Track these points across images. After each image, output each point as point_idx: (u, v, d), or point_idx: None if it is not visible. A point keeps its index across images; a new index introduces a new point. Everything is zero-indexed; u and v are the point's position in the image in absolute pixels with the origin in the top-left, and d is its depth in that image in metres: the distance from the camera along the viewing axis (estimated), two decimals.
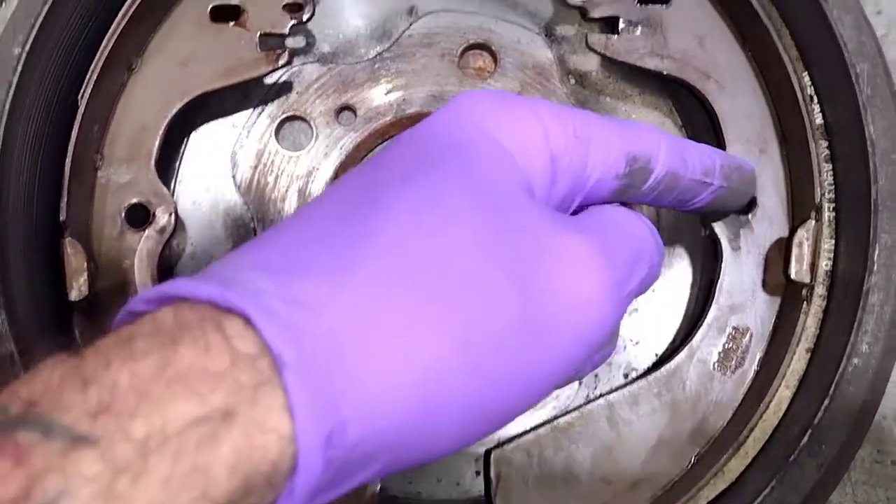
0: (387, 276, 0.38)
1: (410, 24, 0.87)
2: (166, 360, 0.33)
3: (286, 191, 0.85)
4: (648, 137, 0.51)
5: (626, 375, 0.82)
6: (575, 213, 0.51)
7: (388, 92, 0.86)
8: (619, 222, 0.49)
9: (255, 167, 0.86)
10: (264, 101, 0.87)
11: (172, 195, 0.85)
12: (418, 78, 0.86)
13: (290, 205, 0.85)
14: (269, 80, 0.86)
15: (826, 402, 0.63)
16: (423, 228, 0.40)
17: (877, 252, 0.64)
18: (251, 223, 0.85)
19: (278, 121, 0.86)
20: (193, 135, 0.87)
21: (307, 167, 0.86)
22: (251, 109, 0.87)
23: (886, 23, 0.89)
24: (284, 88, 0.87)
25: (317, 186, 0.85)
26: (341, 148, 0.86)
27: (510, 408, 0.44)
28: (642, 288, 0.50)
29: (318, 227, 0.41)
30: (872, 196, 0.65)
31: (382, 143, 0.87)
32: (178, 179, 0.86)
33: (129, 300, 0.40)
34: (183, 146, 0.86)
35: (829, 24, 0.67)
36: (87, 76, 0.75)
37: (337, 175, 0.86)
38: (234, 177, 0.86)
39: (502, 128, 0.45)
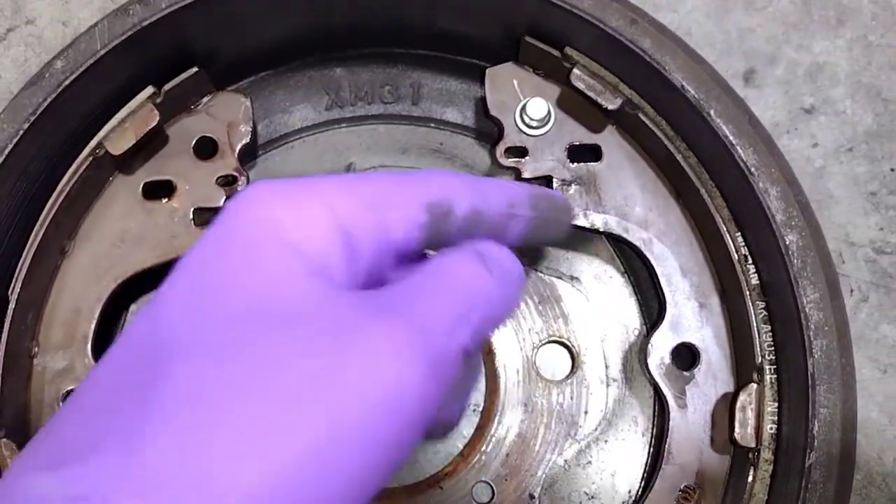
0: (178, 440, 0.35)
1: None
2: None
3: None
4: (443, 182, 0.49)
5: None
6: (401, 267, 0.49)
7: None
8: (441, 274, 0.45)
9: None
10: None
11: None
12: None
13: None
14: None
15: None
16: (211, 374, 0.38)
17: (816, 428, 0.64)
18: None
19: None
20: (133, 306, 0.85)
21: None
22: None
23: (823, 154, 0.90)
24: None
25: None
26: None
27: None
28: (481, 335, 0.46)
29: (103, 395, 0.39)
30: (809, 370, 0.65)
31: None
32: None
33: None
34: (122, 322, 0.85)
35: (755, 195, 0.68)
36: (18, 267, 0.74)
37: None
38: None
39: (284, 220, 0.43)
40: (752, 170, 0.68)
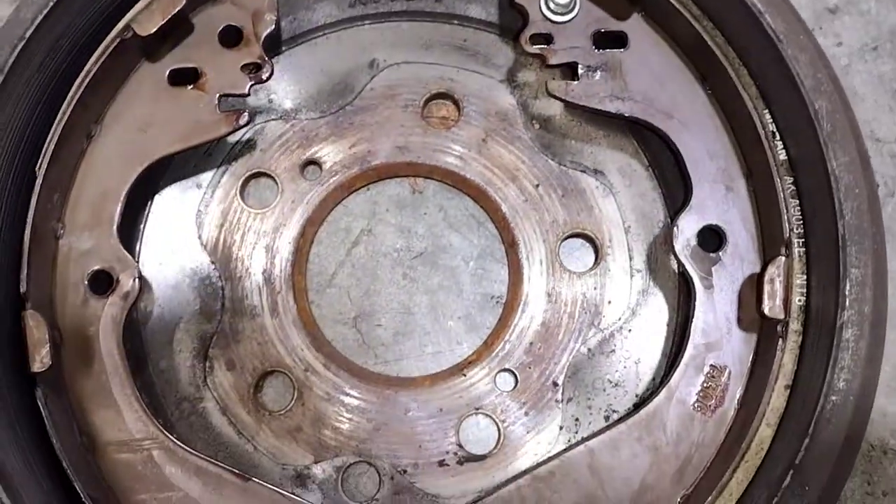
0: None
1: (372, 78, 0.86)
2: None
3: (253, 248, 0.84)
4: None
5: (606, 418, 0.81)
6: None
7: (353, 145, 0.86)
8: None
9: (221, 226, 0.85)
10: (228, 160, 0.86)
11: (137, 258, 0.84)
12: (382, 130, 0.86)
13: (258, 261, 0.84)
14: (232, 138, 0.86)
15: (806, 441, 0.62)
16: None
17: (847, 287, 0.64)
18: (218, 282, 0.84)
19: (243, 179, 0.85)
20: (157, 197, 0.85)
21: (274, 224, 0.85)
22: (215, 169, 0.86)
23: (847, 53, 0.90)
24: (248, 146, 0.86)
25: (284, 242, 0.84)
26: (307, 202, 0.85)
27: None
28: None
29: None
30: (840, 231, 0.65)
31: (349, 195, 0.87)
32: (143, 242, 0.85)
33: None
34: (147, 209, 0.85)
35: (785, 63, 0.68)
36: (45, 146, 0.74)
37: (304, 231, 0.85)
38: (199, 237, 0.85)
39: None
40: (781, 37, 0.68)
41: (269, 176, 0.86)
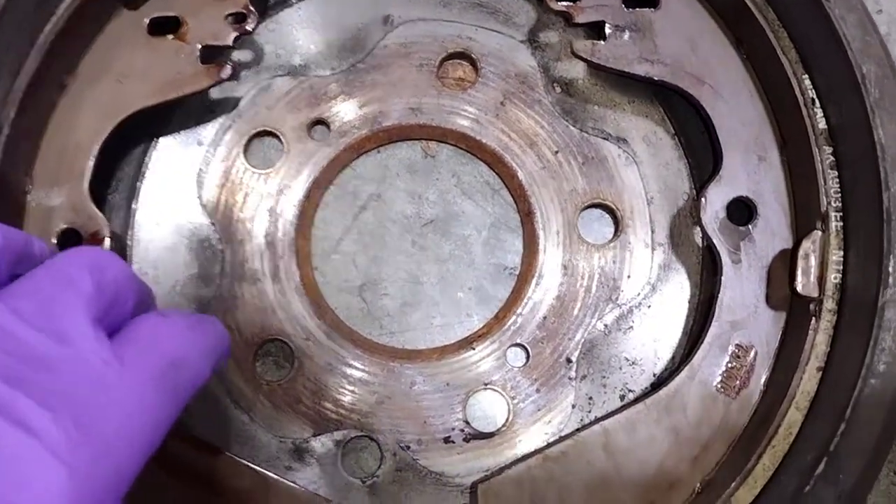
0: None
1: (386, 34, 0.82)
2: None
3: (255, 211, 0.80)
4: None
5: (622, 397, 0.77)
6: None
7: (363, 105, 0.81)
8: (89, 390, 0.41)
9: (223, 186, 0.81)
10: (232, 117, 0.81)
11: (133, 217, 0.79)
12: (395, 89, 0.81)
13: (260, 224, 0.79)
14: (236, 93, 0.81)
15: (842, 426, 0.58)
16: None
17: (892, 264, 0.60)
18: (218, 245, 0.79)
19: (247, 137, 0.81)
20: (155, 154, 0.81)
21: (277, 185, 0.80)
22: (218, 125, 0.81)
23: (887, 21, 0.86)
24: (253, 103, 0.81)
25: (288, 205, 0.80)
26: (314, 164, 0.81)
27: None
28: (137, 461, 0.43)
29: None
30: (884, 204, 0.60)
31: (358, 157, 0.83)
32: (140, 201, 0.80)
33: None
34: (144, 166, 0.80)
35: (831, 24, 0.63)
36: (12, 96, 0.69)
37: (309, 194, 0.80)
38: (199, 196, 0.80)
39: None
40: None
41: (274, 135, 0.81)
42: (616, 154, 0.80)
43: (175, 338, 0.47)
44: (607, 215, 0.80)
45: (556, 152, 0.80)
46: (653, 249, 0.79)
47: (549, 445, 0.72)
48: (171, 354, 0.46)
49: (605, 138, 0.80)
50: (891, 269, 0.60)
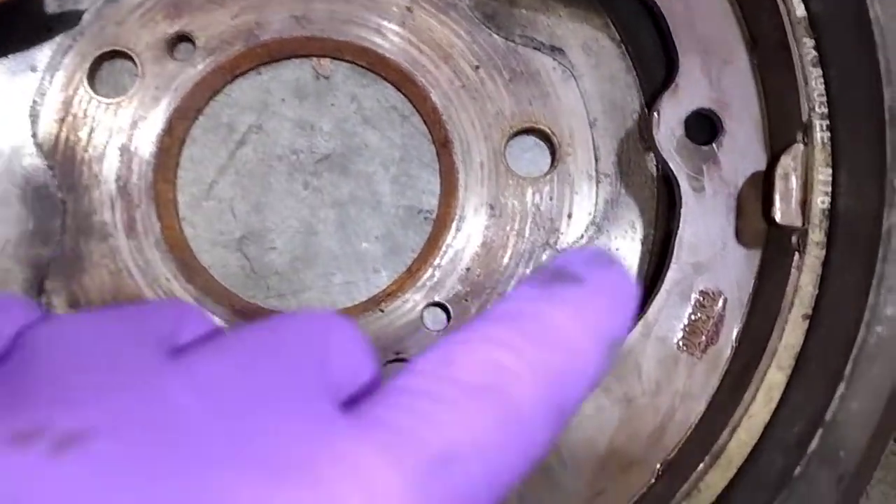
0: None
1: None
2: None
3: (104, 149, 0.64)
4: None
5: None
6: None
7: (236, 15, 0.65)
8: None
9: (62, 121, 0.65)
10: (72, 35, 0.65)
11: None
12: None
13: (110, 166, 0.64)
14: (79, 6, 0.65)
15: (841, 387, 0.45)
16: None
17: None
18: (58, 193, 0.63)
19: (92, 59, 0.65)
20: None
21: (131, 117, 0.64)
22: (55, 46, 0.65)
23: None
24: (99, 16, 0.65)
25: (144, 141, 0.64)
26: (176, 89, 0.65)
27: None
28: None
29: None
30: (886, 103, 0.47)
31: (232, 80, 0.67)
32: None
33: None
34: None
35: None
36: None
37: (171, 127, 0.64)
38: (34, 135, 0.64)
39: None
40: None
41: (125, 55, 0.65)
42: (550, 67, 0.66)
43: None
44: (541, 142, 0.66)
45: (477, 67, 0.66)
46: (597, 182, 0.65)
47: None
48: None
49: (536, 48, 0.66)
50: None
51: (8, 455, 0.23)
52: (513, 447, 0.27)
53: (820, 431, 0.46)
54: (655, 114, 0.58)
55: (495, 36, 0.66)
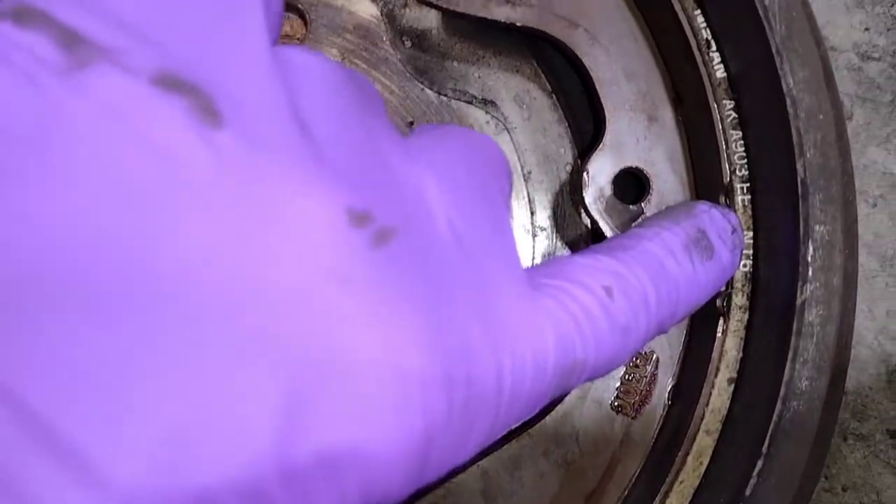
0: None
1: None
2: None
3: None
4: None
5: None
6: None
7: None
8: None
9: None
10: None
11: None
12: None
13: None
14: None
15: (759, 463, 0.46)
16: None
17: (810, 252, 0.47)
18: None
19: None
20: None
21: None
22: None
23: None
24: None
25: None
26: None
27: None
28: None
29: None
30: (798, 174, 0.47)
31: None
32: None
33: None
34: None
35: None
36: None
37: None
38: None
39: None
40: None
41: None
42: (484, 121, 0.66)
43: None
44: None
45: (411, 123, 0.65)
46: (534, 236, 0.65)
47: (418, 495, 0.58)
48: None
49: (468, 102, 0.66)
50: (809, 258, 0.47)
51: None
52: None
53: None
54: (585, 174, 0.58)
55: (428, 90, 0.66)
